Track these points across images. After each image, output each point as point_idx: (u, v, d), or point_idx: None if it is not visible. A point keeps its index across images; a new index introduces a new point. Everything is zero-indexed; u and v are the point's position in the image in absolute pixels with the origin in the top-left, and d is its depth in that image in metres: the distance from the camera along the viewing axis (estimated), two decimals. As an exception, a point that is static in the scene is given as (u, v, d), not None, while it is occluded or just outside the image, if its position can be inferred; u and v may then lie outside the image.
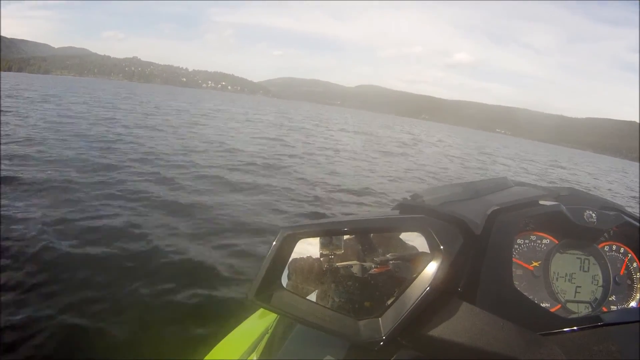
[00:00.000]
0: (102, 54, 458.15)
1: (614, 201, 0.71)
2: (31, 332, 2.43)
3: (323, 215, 5.54)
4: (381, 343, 0.48)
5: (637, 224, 0.66)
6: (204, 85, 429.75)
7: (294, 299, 0.50)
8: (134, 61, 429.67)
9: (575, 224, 0.62)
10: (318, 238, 0.54)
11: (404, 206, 0.63)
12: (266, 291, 0.48)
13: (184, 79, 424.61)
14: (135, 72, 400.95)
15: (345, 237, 0.55)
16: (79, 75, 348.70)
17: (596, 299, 0.64)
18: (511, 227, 0.57)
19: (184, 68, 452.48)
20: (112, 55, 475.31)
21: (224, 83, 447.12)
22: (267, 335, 0.85)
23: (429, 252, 0.51)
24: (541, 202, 0.63)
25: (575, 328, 0.49)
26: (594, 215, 0.62)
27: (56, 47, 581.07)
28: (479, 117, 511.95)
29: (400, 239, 0.55)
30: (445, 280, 0.50)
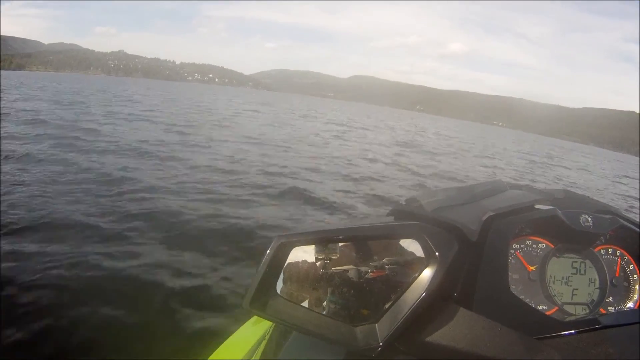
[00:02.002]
0: (94, 50, 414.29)
1: (609, 204, 0.69)
2: (30, 333, 2.36)
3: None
4: (378, 349, 0.46)
5: (633, 227, 0.64)
6: (190, 77, 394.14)
7: (289, 306, 0.49)
8: (119, 55, 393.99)
9: (571, 228, 0.60)
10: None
11: (398, 212, 0.61)
12: (261, 299, 0.47)
13: (168, 72, 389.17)
14: (113, 66, 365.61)
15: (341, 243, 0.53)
16: (56, 70, 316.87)
17: (593, 300, 0.62)
18: (507, 233, 0.56)
19: (171, 61, 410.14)
20: (105, 50, 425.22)
21: (211, 75, 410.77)
22: (264, 342, 0.83)
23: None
24: (537, 207, 0.61)
25: (572, 331, 0.47)
26: (589, 219, 0.61)
27: (46, 43, 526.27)
28: (476, 108, 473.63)
29: (397, 245, 0.53)
30: (441, 286, 0.48)
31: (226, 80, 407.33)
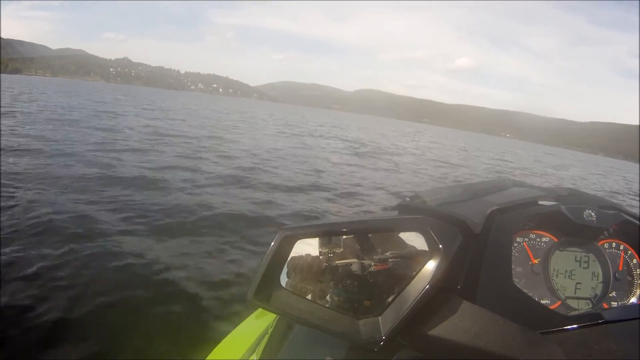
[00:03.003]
0: (101, 56, 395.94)
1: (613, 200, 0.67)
2: (31, 332, 2.29)
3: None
4: (381, 343, 0.45)
5: (637, 221, 0.62)
6: (193, 87, 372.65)
7: (293, 298, 0.47)
8: (123, 62, 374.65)
9: (574, 222, 0.58)
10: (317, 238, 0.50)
11: (403, 207, 0.60)
12: (265, 291, 0.46)
13: (171, 81, 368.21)
14: (112, 73, 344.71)
15: (345, 236, 0.52)
16: (54, 75, 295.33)
17: (596, 295, 0.61)
18: (510, 226, 0.54)
19: (176, 70, 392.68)
20: (111, 56, 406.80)
21: (215, 85, 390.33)
22: (267, 336, 0.81)
23: (428, 250, 0.49)
24: (540, 202, 0.60)
25: (575, 326, 0.45)
26: (593, 214, 0.59)
27: (54, 48, 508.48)
28: (483, 120, 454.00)
29: (400, 238, 0.52)
30: (444, 278, 0.47)
31: (230, 91, 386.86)
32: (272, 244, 0.46)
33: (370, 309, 0.49)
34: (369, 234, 0.52)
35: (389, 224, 0.53)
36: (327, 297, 0.50)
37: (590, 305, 0.60)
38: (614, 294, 0.62)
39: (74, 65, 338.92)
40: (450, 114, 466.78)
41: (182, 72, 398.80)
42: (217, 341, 1.10)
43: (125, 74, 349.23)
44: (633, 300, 0.62)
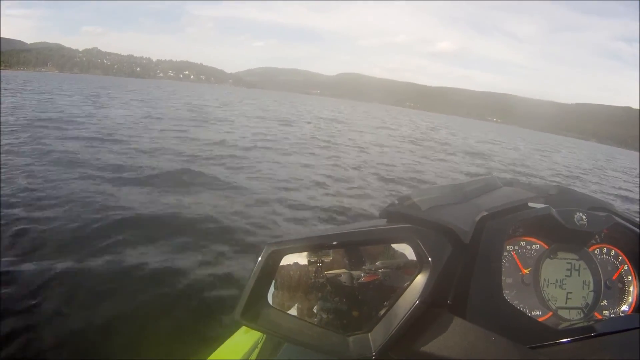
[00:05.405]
0: (71, 47, 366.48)
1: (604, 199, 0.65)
2: (31, 332, 2.22)
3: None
4: (372, 359, 0.43)
5: (628, 224, 0.59)
6: (161, 75, 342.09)
7: (281, 316, 0.45)
8: (92, 52, 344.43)
9: (565, 227, 0.55)
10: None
11: (390, 213, 0.56)
12: (252, 310, 0.43)
13: (138, 69, 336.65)
14: (67, 62, 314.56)
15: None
16: (7, 68, 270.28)
17: (588, 304, 0.58)
18: (500, 234, 0.51)
19: (146, 58, 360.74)
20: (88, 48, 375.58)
21: (186, 72, 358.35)
22: (257, 350, 0.79)
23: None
24: (530, 205, 0.56)
25: (567, 340, 0.44)
26: (584, 217, 0.56)
27: (29, 43, 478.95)
28: (468, 104, 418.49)
29: (390, 247, 0.49)
30: (434, 292, 0.45)
31: (203, 77, 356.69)
32: (259, 259, 0.43)
33: (359, 321, 0.47)
34: (357, 246, 0.50)
35: (377, 235, 0.50)
36: (315, 312, 0.48)
37: (582, 315, 0.58)
38: (605, 302, 0.59)
39: (35, 59, 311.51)
40: (433, 97, 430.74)
41: (154, 59, 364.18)
42: (208, 352, 1.06)
43: (83, 63, 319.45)
44: (624, 308, 0.60)
